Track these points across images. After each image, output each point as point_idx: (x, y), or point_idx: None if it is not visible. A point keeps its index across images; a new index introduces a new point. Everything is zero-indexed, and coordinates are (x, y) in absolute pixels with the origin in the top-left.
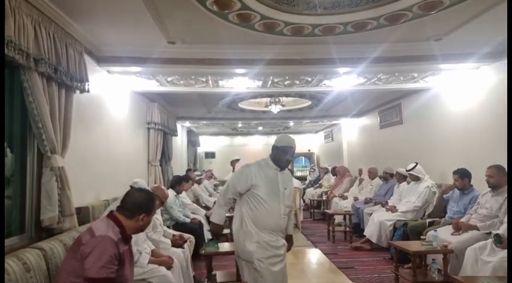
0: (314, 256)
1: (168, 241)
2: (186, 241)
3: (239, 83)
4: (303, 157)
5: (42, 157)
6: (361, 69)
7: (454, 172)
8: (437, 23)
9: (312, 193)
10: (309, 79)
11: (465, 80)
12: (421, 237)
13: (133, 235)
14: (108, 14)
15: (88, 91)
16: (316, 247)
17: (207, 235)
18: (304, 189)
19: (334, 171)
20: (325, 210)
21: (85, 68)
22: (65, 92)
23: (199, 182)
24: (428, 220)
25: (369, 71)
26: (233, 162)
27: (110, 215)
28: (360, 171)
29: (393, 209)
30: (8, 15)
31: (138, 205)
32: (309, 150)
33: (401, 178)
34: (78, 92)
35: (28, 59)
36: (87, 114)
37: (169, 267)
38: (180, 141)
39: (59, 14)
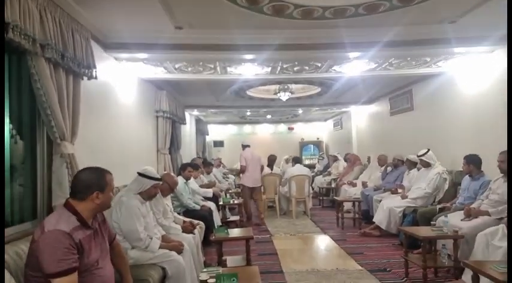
0: (323, 242)
1: (179, 227)
2: (195, 227)
3: (248, 69)
4: (312, 146)
5: (52, 144)
6: (372, 54)
7: (464, 158)
8: (451, 5)
9: (320, 181)
10: (319, 65)
11: (479, 64)
12: (431, 222)
13: (142, 221)
14: None
15: (96, 78)
16: (325, 233)
17: (217, 221)
18: (313, 177)
19: (346, 158)
20: (334, 197)
21: (92, 54)
22: (73, 79)
23: (208, 172)
24: (438, 207)
25: (380, 55)
26: (244, 147)
27: (66, 203)
28: (369, 159)
29: (403, 195)
30: None
31: (86, 185)
32: (318, 138)
33: (412, 165)
34: (85, 78)
35: (34, 44)
36: (96, 102)
37: (179, 252)
38: (188, 130)
39: None
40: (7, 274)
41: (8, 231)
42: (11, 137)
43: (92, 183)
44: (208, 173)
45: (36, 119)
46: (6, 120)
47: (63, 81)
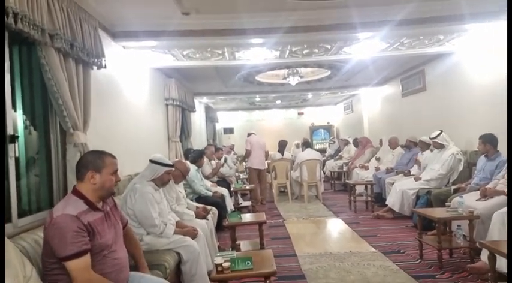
0: (336, 225)
1: (192, 213)
2: (209, 212)
3: (256, 54)
4: (322, 130)
5: (65, 134)
6: (383, 34)
7: (480, 137)
8: None
9: (332, 165)
10: (328, 47)
11: (493, 42)
12: (446, 203)
13: (157, 207)
14: None
15: (105, 67)
16: (337, 217)
17: (229, 207)
18: (324, 161)
19: (356, 142)
20: (346, 181)
21: (100, 43)
22: (83, 68)
23: (219, 158)
24: (453, 188)
25: (392, 35)
26: (249, 134)
27: (73, 190)
28: (381, 142)
29: (417, 177)
30: None
31: (82, 164)
32: (328, 123)
33: (425, 146)
34: (95, 68)
35: (43, 34)
36: (106, 91)
37: (194, 237)
38: (198, 117)
39: None
40: (27, 262)
41: (26, 220)
42: (25, 127)
43: (88, 162)
44: (219, 159)
45: (49, 109)
46: (20, 111)
47: (73, 70)
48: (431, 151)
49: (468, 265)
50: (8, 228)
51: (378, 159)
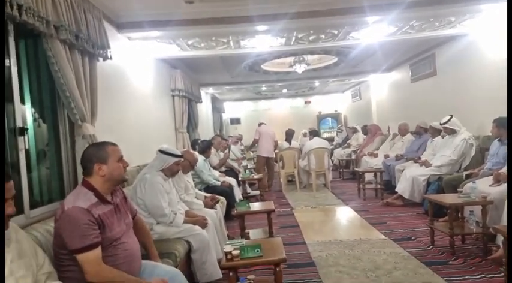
0: (345, 213)
1: (201, 202)
2: (217, 201)
3: (261, 41)
4: (330, 119)
5: (73, 126)
6: (392, 17)
7: (493, 121)
8: None
9: (340, 153)
10: (335, 32)
11: (506, 23)
12: (458, 189)
13: (166, 197)
14: None
15: (111, 58)
16: (346, 205)
17: (238, 196)
18: (332, 150)
19: (365, 130)
20: (355, 169)
21: (105, 35)
22: (88, 60)
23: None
24: (465, 173)
25: (401, 17)
26: (260, 124)
27: (82, 181)
28: (389, 129)
29: (427, 164)
30: None
31: (87, 159)
32: (336, 111)
33: (436, 132)
34: (101, 59)
35: (48, 26)
36: (113, 83)
37: (203, 226)
38: (205, 108)
39: None
40: (39, 250)
41: (38, 211)
42: (34, 120)
43: (92, 156)
44: (224, 149)
45: (57, 101)
46: (28, 104)
47: (79, 62)
48: (443, 137)
49: (489, 257)
50: (21, 218)
51: (394, 136)
